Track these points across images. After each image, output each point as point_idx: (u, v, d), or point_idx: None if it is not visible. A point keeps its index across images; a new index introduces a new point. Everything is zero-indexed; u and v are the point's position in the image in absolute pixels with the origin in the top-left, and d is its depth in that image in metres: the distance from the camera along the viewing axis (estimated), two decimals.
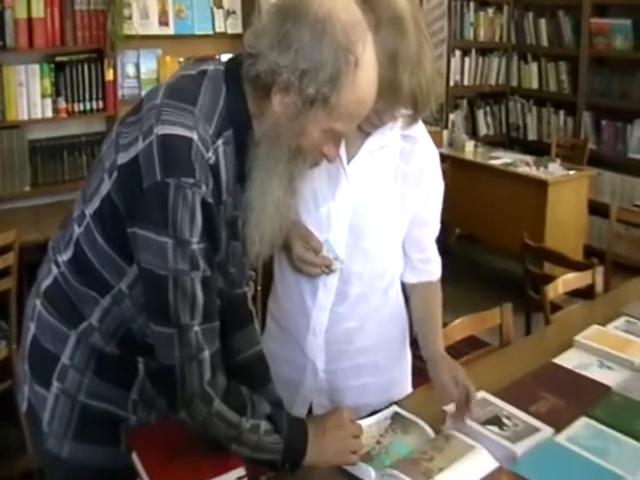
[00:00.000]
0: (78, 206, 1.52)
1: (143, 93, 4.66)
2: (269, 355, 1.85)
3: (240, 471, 1.42)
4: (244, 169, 1.44)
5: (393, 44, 1.59)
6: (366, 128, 1.75)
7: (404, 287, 2.03)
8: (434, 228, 1.98)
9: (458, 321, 2.39)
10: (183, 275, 1.33)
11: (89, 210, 1.47)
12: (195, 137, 1.35)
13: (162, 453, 1.45)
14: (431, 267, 2.02)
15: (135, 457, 1.48)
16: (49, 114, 4.32)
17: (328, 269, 1.80)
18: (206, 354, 1.38)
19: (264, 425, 1.46)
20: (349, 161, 1.80)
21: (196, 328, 1.36)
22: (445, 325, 2.28)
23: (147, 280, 1.37)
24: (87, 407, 1.55)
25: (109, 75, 4.46)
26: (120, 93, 4.57)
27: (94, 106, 4.47)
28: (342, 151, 1.77)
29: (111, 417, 1.57)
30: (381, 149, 1.82)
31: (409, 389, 2.10)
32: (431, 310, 2.00)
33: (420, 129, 1.87)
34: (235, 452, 1.45)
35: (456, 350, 2.45)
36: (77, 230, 1.50)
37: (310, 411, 1.96)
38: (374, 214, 1.84)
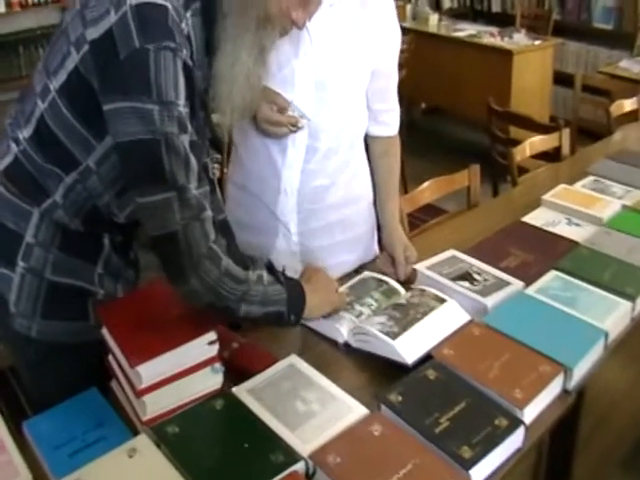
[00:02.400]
0: (40, 79, 1.43)
1: None
2: (237, 225, 1.80)
3: (211, 336, 1.39)
4: (212, 42, 1.38)
5: None
6: None
7: (366, 144, 2.01)
8: (395, 77, 1.95)
9: (426, 184, 2.36)
10: (173, 137, 1.27)
11: (54, 84, 1.38)
12: (170, 6, 1.27)
13: (132, 325, 1.40)
14: (392, 117, 2.00)
15: (105, 331, 1.44)
16: (2, 9, 4.15)
17: (295, 127, 1.77)
18: (208, 213, 1.33)
19: (266, 275, 1.47)
20: (310, 17, 1.71)
21: (194, 191, 1.31)
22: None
23: (136, 151, 1.29)
24: (54, 283, 1.51)
25: None
26: None
27: None
28: None
29: (78, 292, 1.53)
30: (340, 1, 1.74)
31: (375, 245, 2.10)
32: (391, 170, 2.03)
33: None
34: (246, 314, 1.42)
35: (417, 219, 2.44)
36: (41, 105, 1.41)
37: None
38: (338, 67, 1.79)
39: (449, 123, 5.96)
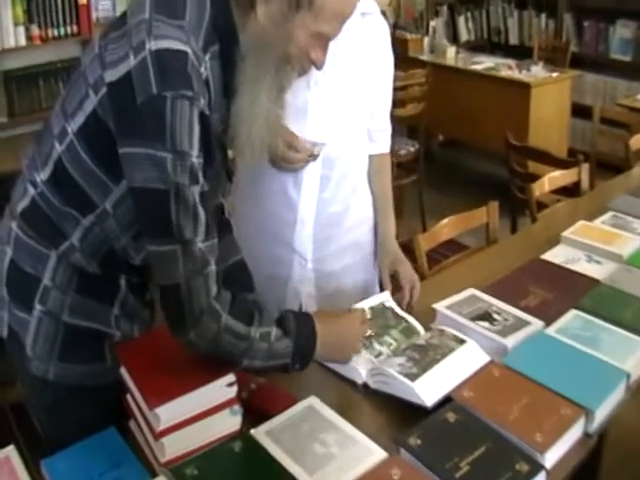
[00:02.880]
0: (58, 122, 1.44)
1: (118, 14, 4.50)
2: (251, 257, 1.82)
3: (230, 377, 1.39)
4: (230, 84, 1.39)
5: None
6: None
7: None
8: (388, 99, 2.04)
9: (445, 221, 2.37)
10: (184, 189, 1.27)
11: (72, 127, 1.39)
12: (190, 51, 1.28)
13: (150, 365, 1.41)
14: (385, 136, 2.10)
15: (123, 371, 1.44)
16: (22, 42, 4.12)
17: (312, 156, 1.83)
18: (212, 268, 1.33)
19: (275, 331, 1.41)
20: None
21: (200, 245, 1.31)
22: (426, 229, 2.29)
23: (146, 199, 1.30)
24: (71, 326, 1.51)
25: None
26: (94, 15, 4.36)
27: (68, 31, 4.28)
28: None
29: (95, 334, 1.53)
30: (346, 29, 1.77)
31: (376, 264, 2.15)
32: (384, 188, 2.11)
33: (371, 3, 1.91)
34: (247, 367, 1.40)
35: (437, 253, 2.45)
36: (58, 148, 1.42)
37: (300, 306, 2.01)
38: (348, 93, 1.87)
39: (467, 155, 5.97)
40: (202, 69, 1.31)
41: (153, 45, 1.25)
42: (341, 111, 1.87)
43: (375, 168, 2.09)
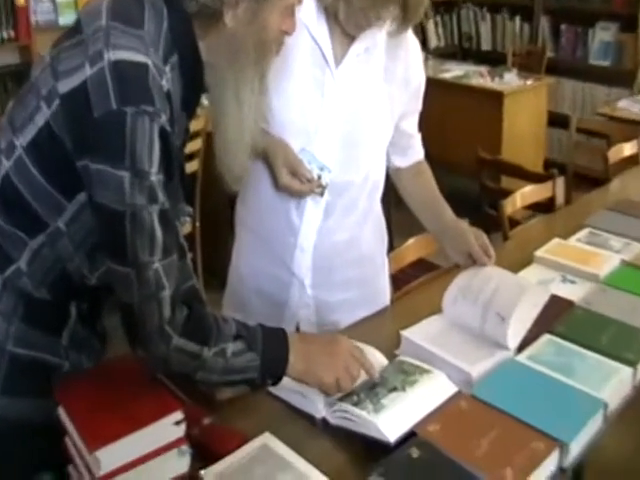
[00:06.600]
0: (5, 136, 1.45)
1: (60, 19, 4.51)
2: (251, 269, 1.93)
3: (177, 415, 1.38)
4: (193, 95, 1.47)
5: None
6: (352, 30, 1.79)
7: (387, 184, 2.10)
8: (418, 113, 2.07)
9: (411, 241, 2.41)
10: (141, 210, 1.30)
11: (21, 141, 1.41)
12: (150, 63, 1.31)
13: (91, 403, 1.40)
14: (417, 147, 2.14)
15: (61, 411, 1.43)
16: None
17: (319, 188, 1.84)
18: (166, 293, 1.37)
19: (232, 347, 1.45)
20: (336, 66, 1.83)
21: (156, 265, 1.34)
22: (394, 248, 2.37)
23: (102, 215, 1.33)
24: (16, 356, 1.50)
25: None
26: (33, 19, 4.42)
27: (5, 35, 4.35)
28: (329, 55, 1.83)
29: (42, 365, 1.53)
30: (367, 51, 1.83)
31: (388, 300, 2.18)
32: (428, 187, 2.14)
33: None
34: (203, 381, 1.46)
35: (406, 274, 2.47)
36: (6, 163, 1.43)
37: (297, 328, 2.02)
38: (366, 121, 1.87)
39: (437, 171, 5.98)
40: (163, 82, 1.35)
41: (112, 55, 1.28)
42: (358, 139, 1.88)
43: (412, 173, 2.13)
